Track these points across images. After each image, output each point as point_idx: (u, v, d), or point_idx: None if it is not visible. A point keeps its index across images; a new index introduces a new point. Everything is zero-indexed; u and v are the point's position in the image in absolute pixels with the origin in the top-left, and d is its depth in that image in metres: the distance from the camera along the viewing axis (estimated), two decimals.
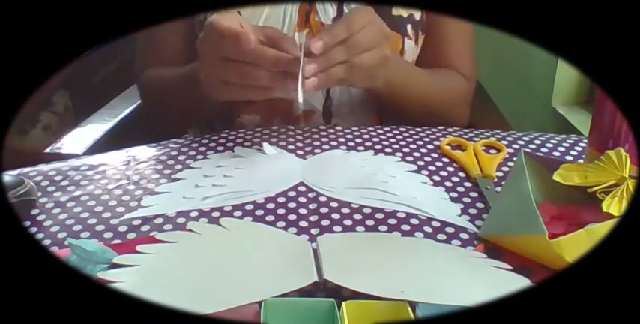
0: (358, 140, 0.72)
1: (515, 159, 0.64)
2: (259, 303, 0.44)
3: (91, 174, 0.65)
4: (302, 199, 0.60)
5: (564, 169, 0.52)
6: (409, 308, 0.43)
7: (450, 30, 0.86)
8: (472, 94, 0.90)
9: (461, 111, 0.88)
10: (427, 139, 0.73)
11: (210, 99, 0.70)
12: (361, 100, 0.84)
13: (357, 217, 0.58)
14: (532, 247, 0.50)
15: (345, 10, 0.80)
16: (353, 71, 0.65)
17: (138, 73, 0.88)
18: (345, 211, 0.58)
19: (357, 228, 0.56)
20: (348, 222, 0.57)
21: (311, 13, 0.80)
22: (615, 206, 0.49)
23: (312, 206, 0.59)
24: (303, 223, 0.57)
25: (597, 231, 0.47)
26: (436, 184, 0.64)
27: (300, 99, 0.81)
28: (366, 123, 0.84)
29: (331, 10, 0.80)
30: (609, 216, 0.48)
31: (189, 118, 0.88)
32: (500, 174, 0.65)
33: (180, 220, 0.57)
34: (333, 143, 0.72)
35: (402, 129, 0.76)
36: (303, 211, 0.58)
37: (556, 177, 0.52)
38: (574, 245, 0.47)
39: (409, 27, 0.82)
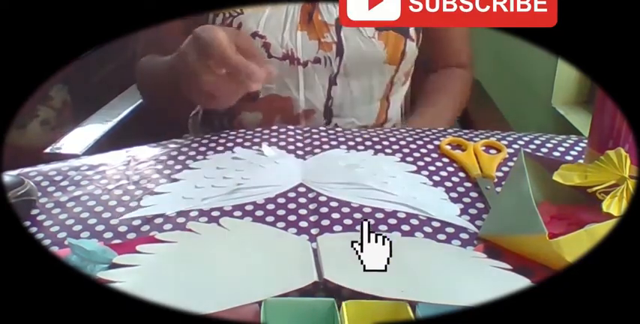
0: (358, 139, 0.72)
1: (515, 159, 0.64)
2: (259, 303, 0.44)
3: (91, 174, 0.65)
4: (302, 200, 0.60)
5: (564, 169, 0.52)
6: (409, 308, 0.43)
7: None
8: (471, 80, 0.94)
9: (465, 101, 0.93)
10: (427, 139, 0.73)
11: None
12: (362, 100, 0.85)
13: (357, 216, 0.58)
14: (532, 247, 0.50)
15: None
16: None
17: (137, 63, 0.87)
18: (345, 210, 0.58)
19: (357, 227, 0.56)
20: (348, 221, 0.57)
21: (314, 13, 0.80)
22: (615, 206, 0.49)
23: (312, 206, 0.59)
24: (303, 223, 0.57)
25: (597, 231, 0.47)
26: (436, 184, 0.64)
27: (302, 97, 0.81)
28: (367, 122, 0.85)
29: (334, 10, 0.80)
30: (609, 216, 0.48)
31: (185, 107, 0.87)
32: (500, 174, 0.65)
33: (180, 220, 0.57)
34: (333, 143, 0.72)
35: (402, 129, 0.76)
36: (303, 211, 0.58)
37: (556, 177, 0.52)
38: (574, 245, 0.47)
39: (411, 29, 0.83)
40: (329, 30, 0.80)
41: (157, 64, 0.81)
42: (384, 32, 0.81)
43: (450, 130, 0.75)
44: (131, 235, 0.55)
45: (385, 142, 0.72)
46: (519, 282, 0.49)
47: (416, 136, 0.73)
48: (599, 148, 0.56)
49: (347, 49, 0.80)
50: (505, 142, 0.72)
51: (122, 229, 0.56)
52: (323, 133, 0.74)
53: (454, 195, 0.62)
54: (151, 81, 0.84)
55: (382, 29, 0.80)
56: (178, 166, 0.66)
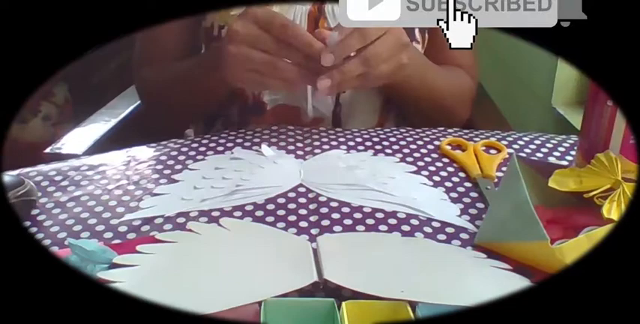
0: (358, 140, 0.72)
1: None
2: (259, 303, 0.44)
3: (91, 174, 0.65)
4: (302, 200, 0.60)
5: (558, 175, 0.51)
6: (409, 308, 0.43)
7: None
8: (475, 91, 0.91)
9: (466, 107, 0.90)
10: (427, 139, 0.73)
11: (217, 93, 0.73)
12: (370, 106, 0.84)
13: (357, 215, 0.58)
14: (532, 254, 0.50)
15: None
16: (367, 81, 0.66)
17: (135, 70, 0.88)
18: (345, 210, 0.58)
19: (357, 227, 0.56)
20: (348, 221, 0.57)
21: (320, 20, 0.79)
22: (615, 211, 0.48)
23: (312, 206, 0.59)
24: (303, 224, 0.57)
25: (599, 236, 0.46)
26: (436, 184, 0.64)
27: (310, 106, 0.81)
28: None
29: None
30: (605, 218, 0.48)
31: (192, 114, 0.88)
32: (500, 174, 0.65)
33: (180, 220, 0.57)
34: (333, 143, 0.72)
35: (402, 130, 0.76)
36: (303, 212, 0.58)
37: (551, 183, 0.51)
38: (576, 251, 0.46)
39: (417, 31, 0.82)
40: None
41: (168, 70, 0.82)
42: None
43: (450, 130, 0.75)
44: (131, 235, 0.55)
45: (385, 143, 0.72)
46: (519, 282, 0.49)
47: (416, 137, 0.73)
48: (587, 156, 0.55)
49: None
50: (505, 142, 0.72)
51: (122, 229, 0.56)
52: (323, 134, 0.74)
53: (454, 195, 0.62)
54: (160, 87, 0.84)
55: None
56: (178, 166, 0.66)
